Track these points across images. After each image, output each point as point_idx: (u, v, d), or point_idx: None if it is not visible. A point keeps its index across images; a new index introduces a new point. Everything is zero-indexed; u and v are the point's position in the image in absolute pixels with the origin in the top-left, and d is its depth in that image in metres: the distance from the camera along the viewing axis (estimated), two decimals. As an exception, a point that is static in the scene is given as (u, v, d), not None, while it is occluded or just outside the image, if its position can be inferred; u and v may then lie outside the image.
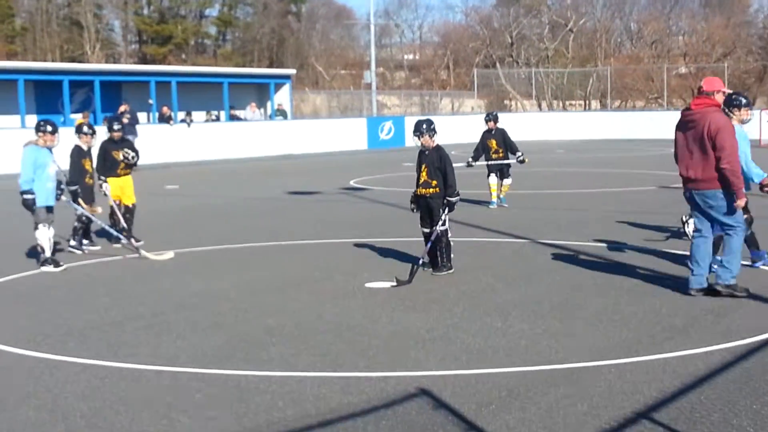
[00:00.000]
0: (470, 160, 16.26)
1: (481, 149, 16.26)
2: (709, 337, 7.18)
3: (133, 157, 12.46)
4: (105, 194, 12.34)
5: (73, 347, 7.22)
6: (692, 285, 8.66)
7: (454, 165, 10.16)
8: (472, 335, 7.40)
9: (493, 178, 16.12)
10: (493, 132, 16.20)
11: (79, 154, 12.22)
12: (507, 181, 16.17)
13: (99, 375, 6.48)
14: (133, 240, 12.00)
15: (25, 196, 10.63)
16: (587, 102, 56.33)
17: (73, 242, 12.06)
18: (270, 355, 6.93)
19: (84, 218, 11.89)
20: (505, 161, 16.13)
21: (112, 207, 12.43)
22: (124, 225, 12.34)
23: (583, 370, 6.44)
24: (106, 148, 12.58)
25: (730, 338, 7.11)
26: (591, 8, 66.73)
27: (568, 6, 66.86)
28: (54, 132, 10.93)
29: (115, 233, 12.03)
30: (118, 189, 12.57)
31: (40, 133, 10.88)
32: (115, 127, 12.63)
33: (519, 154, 16.11)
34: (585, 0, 67.36)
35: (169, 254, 11.47)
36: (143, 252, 11.44)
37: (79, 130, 12.33)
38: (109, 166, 12.50)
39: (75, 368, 6.64)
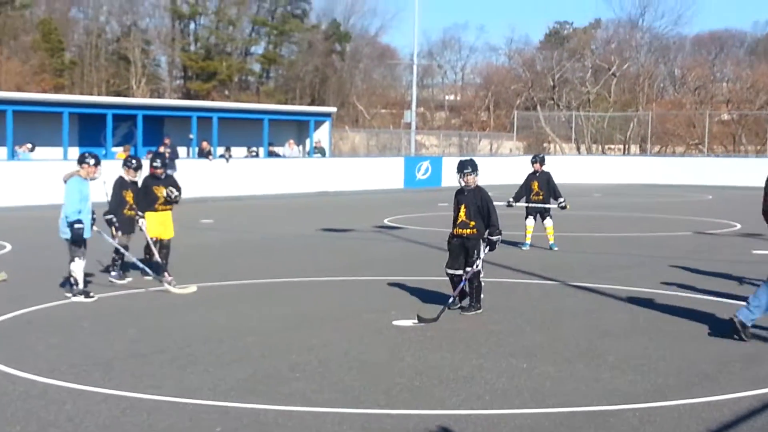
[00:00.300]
0: (511, 200, 16.02)
1: (524, 191, 16.14)
2: (738, 384, 7.06)
3: (176, 196, 12.44)
4: (141, 229, 12.28)
5: (97, 377, 7.25)
6: (740, 315, 8.62)
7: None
8: (496, 375, 7.34)
9: (531, 220, 16.02)
10: (537, 174, 16.08)
11: (121, 185, 12.31)
12: (548, 223, 15.93)
13: (120, 406, 6.50)
14: (166, 274, 11.99)
15: (76, 226, 10.69)
16: (626, 146, 56.09)
17: (114, 273, 12.14)
18: (291, 390, 6.91)
19: (119, 250, 12.03)
20: (545, 205, 15.99)
21: (147, 242, 12.46)
22: (158, 259, 12.26)
23: (607, 413, 6.35)
24: (148, 183, 12.51)
25: (758, 385, 7.00)
26: (635, 53, 66.69)
27: (612, 50, 66.86)
28: (97, 164, 11.09)
29: (143, 267, 12.00)
30: (159, 224, 12.41)
31: (84, 165, 11.04)
32: (156, 163, 12.58)
33: (561, 200, 15.91)
34: (629, 45, 67.37)
35: (192, 288, 11.50)
36: (167, 285, 11.47)
37: (125, 162, 12.53)
38: (149, 201, 12.36)
39: (97, 398, 6.66)
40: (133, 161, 12.50)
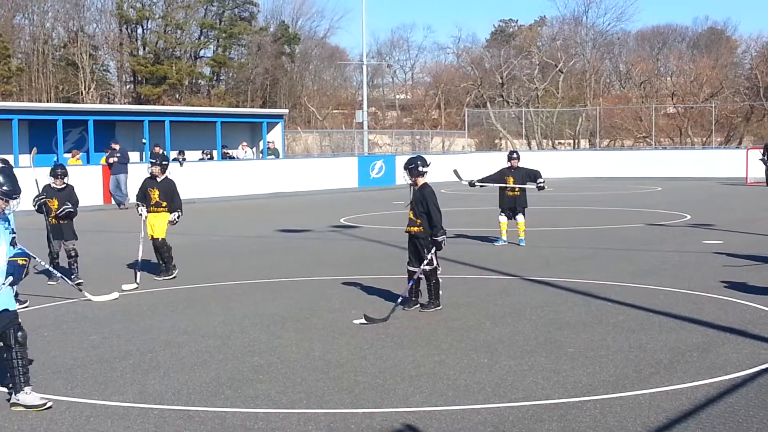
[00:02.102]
0: (475, 180, 16.08)
1: (495, 179, 16.13)
2: (695, 373, 7.22)
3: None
4: (140, 214, 13.06)
5: (60, 386, 7.20)
6: None
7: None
8: (458, 371, 7.42)
9: (504, 217, 16.14)
10: (513, 170, 16.13)
11: (46, 193, 12.51)
12: (521, 219, 16.02)
13: (84, 413, 6.47)
14: (74, 278, 12.27)
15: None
16: (576, 141, 56.71)
17: (73, 276, 12.34)
18: (256, 392, 6.93)
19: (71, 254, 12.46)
20: (522, 186, 16.03)
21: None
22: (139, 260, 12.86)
23: (568, 405, 6.46)
24: (144, 185, 13.24)
25: (714, 374, 7.15)
26: (581, 49, 67.50)
27: (557, 47, 67.55)
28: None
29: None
30: (149, 225, 13.07)
31: None
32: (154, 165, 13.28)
33: (540, 180, 16.05)
34: (574, 41, 68.17)
35: (114, 295, 11.38)
36: (88, 295, 11.25)
37: (51, 172, 12.73)
38: (146, 203, 13.09)
39: (61, 406, 6.62)
40: (58, 170, 12.74)
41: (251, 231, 19.71)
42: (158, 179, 13.15)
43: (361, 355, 8.08)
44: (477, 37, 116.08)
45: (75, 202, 12.64)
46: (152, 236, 13.07)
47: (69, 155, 28.98)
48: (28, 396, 6.58)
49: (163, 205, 13.05)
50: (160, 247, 13.01)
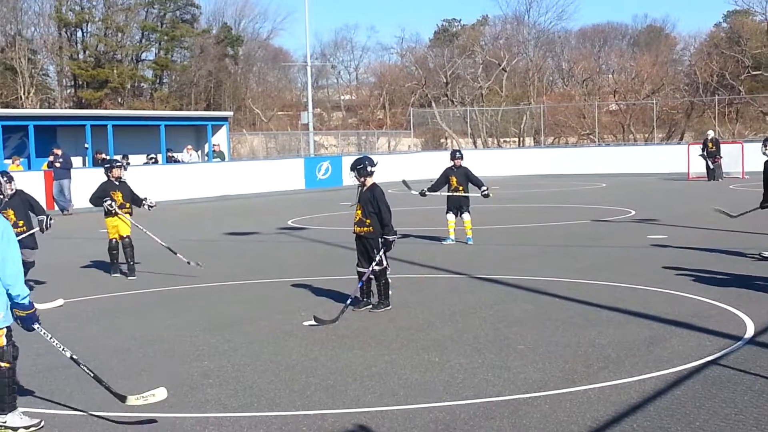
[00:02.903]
0: (425, 189, 16.20)
1: (441, 184, 16.26)
2: (642, 366, 7.31)
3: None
4: (110, 206, 13.48)
5: (4, 395, 7.06)
6: None
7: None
8: (409, 371, 7.43)
9: (451, 215, 16.20)
10: (455, 169, 16.20)
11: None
12: (467, 217, 16.10)
13: (31, 422, 6.35)
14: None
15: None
16: (521, 139, 57.20)
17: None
18: (206, 396, 6.87)
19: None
20: (467, 194, 16.12)
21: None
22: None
23: (519, 401, 6.50)
24: (105, 187, 13.63)
25: (661, 367, 7.25)
26: (523, 48, 68.12)
27: (500, 46, 68.07)
28: None
29: None
30: (113, 226, 13.72)
31: None
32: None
33: (484, 188, 16.11)
34: (517, 40, 68.76)
35: (58, 302, 11.16)
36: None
37: None
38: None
39: (6, 416, 6.50)
40: (4, 176, 11.49)
41: (198, 235, 19.55)
42: (119, 182, 13.61)
43: (311, 356, 8.05)
44: (420, 36, 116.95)
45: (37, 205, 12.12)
46: (121, 236, 13.61)
47: (9, 161, 28.48)
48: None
49: (127, 206, 13.67)
50: (129, 244, 13.59)
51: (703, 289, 10.69)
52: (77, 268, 14.83)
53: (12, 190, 11.56)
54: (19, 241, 11.32)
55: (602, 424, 5.92)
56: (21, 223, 11.63)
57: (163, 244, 13.94)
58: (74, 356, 6.70)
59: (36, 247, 12.05)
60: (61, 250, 16.88)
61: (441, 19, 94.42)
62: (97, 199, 13.59)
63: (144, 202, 13.84)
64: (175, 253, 13.76)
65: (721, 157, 33.46)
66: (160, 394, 6.53)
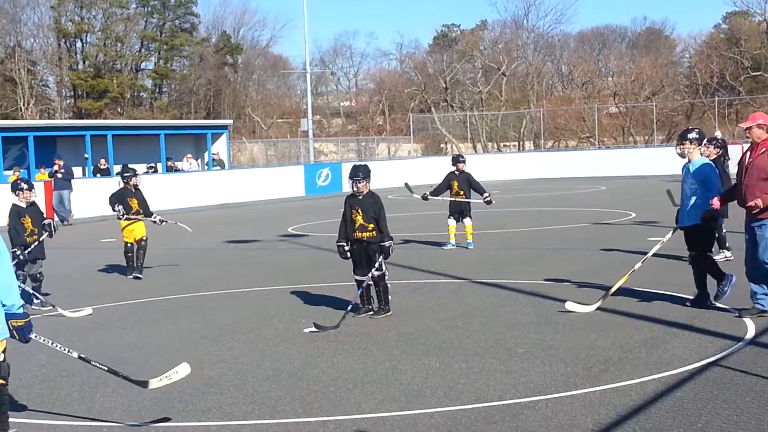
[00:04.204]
0: (427, 193, 16.16)
1: (443, 188, 16.25)
2: (643, 369, 7.30)
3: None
4: (120, 214, 14.36)
5: (5, 406, 7.07)
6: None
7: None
8: (410, 376, 7.43)
9: (452, 220, 16.19)
10: (458, 174, 16.18)
11: (18, 214, 11.70)
12: (468, 222, 16.08)
13: (32, 433, 6.37)
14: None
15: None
16: (521, 143, 57.19)
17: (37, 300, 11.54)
18: (208, 405, 6.87)
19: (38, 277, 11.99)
20: (468, 200, 16.10)
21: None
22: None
23: (520, 405, 6.49)
24: (121, 194, 14.51)
25: (662, 369, 7.24)
26: (522, 52, 68.15)
27: (500, 50, 68.10)
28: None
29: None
30: (128, 231, 14.50)
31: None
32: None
33: (486, 195, 16.11)
34: (516, 44, 68.81)
35: (87, 311, 11.21)
36: (60, 310, 11.07)
37: (15, 187, 11.85)
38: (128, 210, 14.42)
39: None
40: (23, 184, 11.88)
41: (199, 243, 19.54)
42: (135, 189, 14.63)
43: (312, 363, 8.05)
44: (420, 42, 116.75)
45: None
46: (137, 239, 14.45)
47: (9, 172, 28.50)
48: None
49: (141, 213, 14.57)
50: (144, 246, 14.46)
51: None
52: (77, 278, 14.85)
53: (33, 197, 11.91)
54: (31, 251, 11.53)
55: (604, 427, 5.92)
56: (36, 230, 11.81)
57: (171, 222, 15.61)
58: (82, 355, 6.69)
59: (44, 257, 12.11)
60: (61, 260, 16.87)
61: (440, 24, 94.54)
62: (114, 201, 14.34)
63: (154, 216, 14.73)
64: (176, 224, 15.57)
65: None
66: (183, 370, 6.53)
